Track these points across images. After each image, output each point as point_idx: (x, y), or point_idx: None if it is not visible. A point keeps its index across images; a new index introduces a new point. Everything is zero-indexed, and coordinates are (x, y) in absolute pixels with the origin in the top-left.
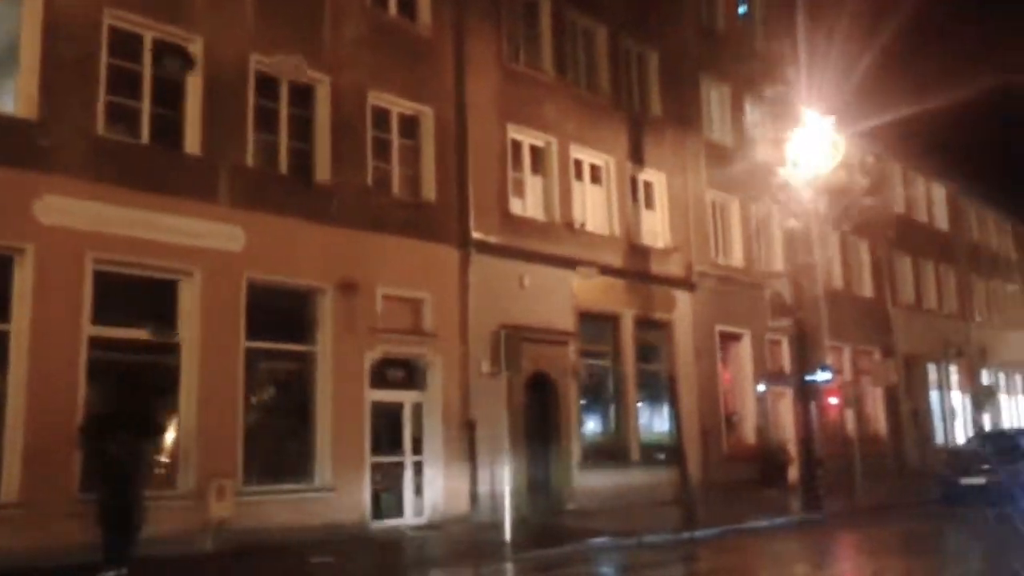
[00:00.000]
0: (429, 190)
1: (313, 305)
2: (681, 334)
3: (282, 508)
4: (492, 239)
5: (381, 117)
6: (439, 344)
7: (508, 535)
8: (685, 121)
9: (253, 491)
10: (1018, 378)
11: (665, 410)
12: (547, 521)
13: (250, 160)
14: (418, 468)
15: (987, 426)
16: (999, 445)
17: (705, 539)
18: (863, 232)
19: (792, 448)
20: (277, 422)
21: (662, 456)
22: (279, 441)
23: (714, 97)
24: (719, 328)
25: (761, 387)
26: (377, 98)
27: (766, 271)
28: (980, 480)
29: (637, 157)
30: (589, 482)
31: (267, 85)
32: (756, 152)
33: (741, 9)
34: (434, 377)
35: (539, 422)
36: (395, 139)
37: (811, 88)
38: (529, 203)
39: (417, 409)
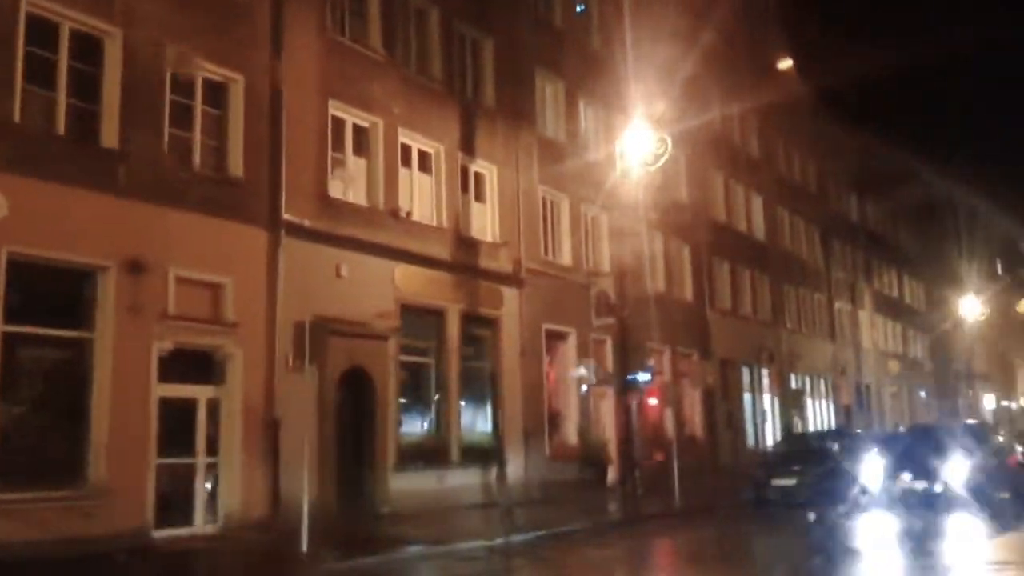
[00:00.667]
0: (236, 165)
1: (92, 286)
2: (508, 331)
3: (44, 517)
4: (307, 222)
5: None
6: (241, 335)
7: (305, 545)
8: (519, 114)
9: (7, 499)
10: (822, 383)
11: (489, 410)
12: (358, 527)
13: (18, 116)
14: (212, 471)
15: (795, 428)
16: (806, 446)
17: (521, 545)
18: (685, 237)
19: (613, 449)
20: (42, 418)
21: (484, 457)
22: (43, 440)
23: (548, 92)
24: (546, 326)
25: (584, 387)
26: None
27: (594, 270)
28: (790, 481)
29: (468, 147)
30: (406, 485)
31: (44, 33)
32: (589, 151)
33: (579, 7)
34: (234, 371)
35: (354, 421)
36: (199, 106)
37: (640, 87)
38: (351, 186)
39: (214, 406)
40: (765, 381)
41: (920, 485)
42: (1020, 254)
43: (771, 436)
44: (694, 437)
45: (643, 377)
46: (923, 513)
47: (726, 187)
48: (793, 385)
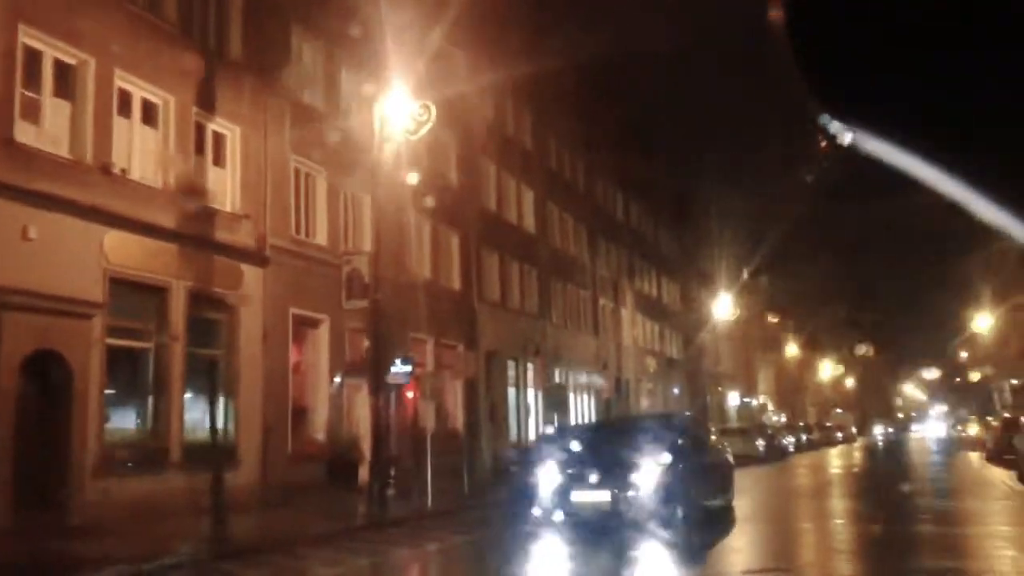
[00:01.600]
0: None
1: None
2: (248, 315)
3: None
4: None
5: None
6: None
7: None
8: (270, 73)
9: None
10: (585, 377)
11: (221, 403)
12: (39, 545)
13: None
14: None
15: (557, 423)
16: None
17: (232, 560)
18: (455, 224)
19: (366, 446)
20: None
21: (212, 457)
22: None
23: (306, 53)
24: (294, 311)
25: (337, 379)
26: None
27: (351, 251)
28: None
29: (206, 102)
30: (110, 491)
31: None
32: (350, 120)
33: None
34: None
35: (42, 415)
36: None
37: (405, 57)
38: (48, 132)
39: None
40: (530, 375)
41: (600, 497)
42: (764, 261)
43: (534, 431)
44: (454, 433)
45: (402, 369)
46: (602, 536)
47: (498, 177)
48: (557, 380)
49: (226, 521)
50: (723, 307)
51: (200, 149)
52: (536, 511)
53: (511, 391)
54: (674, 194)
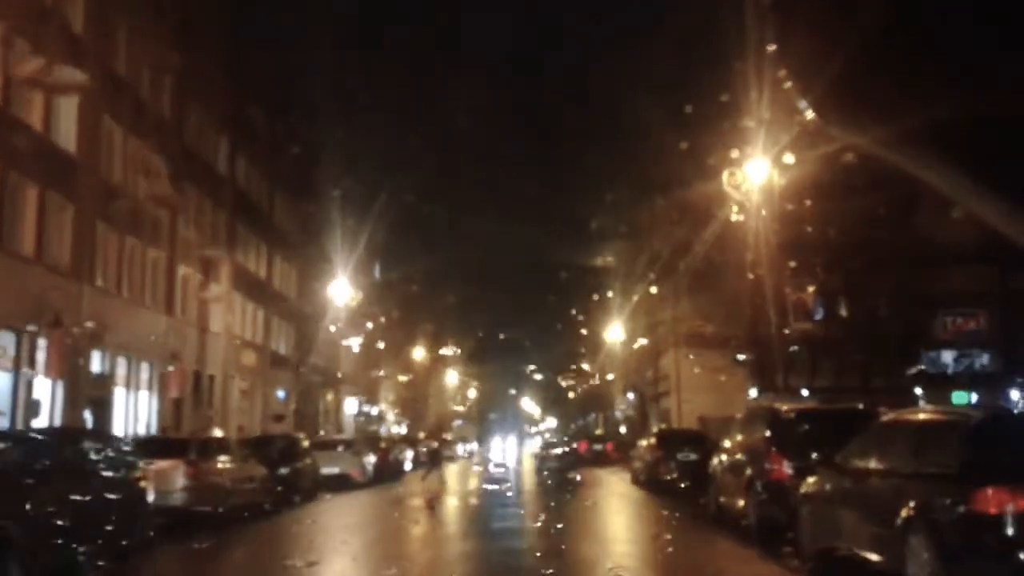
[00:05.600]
0: None
1: None
2: None
3: None
4: None
5: None
6: None
7: None
8: None
9: None
10: (145, 368)
11: None
12: None
13: None
14: None
15: (88, 426)
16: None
17: None
18: None
19: None
20: None
21: None
22: None
23: None
24: None
25: None
26: None
27: None
28: None
29: None
30: None
31: None
32: None
33: None
34: None
35: None
36: None
37: None
38: None
39: None
40: (42, 355)
41: None
42: (395, 257)
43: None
44: None
45: None
46: None
47: (5, 52)
48: (97, 368)
49: None
50: (343, 297)
51: None
52: None
53: (5, 377)
54: (299, 161)
